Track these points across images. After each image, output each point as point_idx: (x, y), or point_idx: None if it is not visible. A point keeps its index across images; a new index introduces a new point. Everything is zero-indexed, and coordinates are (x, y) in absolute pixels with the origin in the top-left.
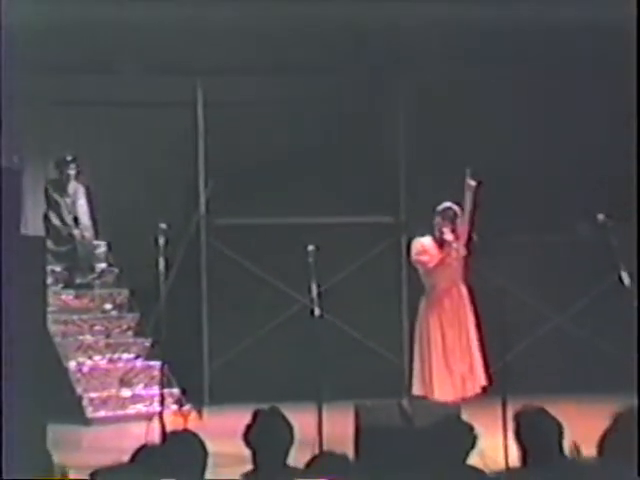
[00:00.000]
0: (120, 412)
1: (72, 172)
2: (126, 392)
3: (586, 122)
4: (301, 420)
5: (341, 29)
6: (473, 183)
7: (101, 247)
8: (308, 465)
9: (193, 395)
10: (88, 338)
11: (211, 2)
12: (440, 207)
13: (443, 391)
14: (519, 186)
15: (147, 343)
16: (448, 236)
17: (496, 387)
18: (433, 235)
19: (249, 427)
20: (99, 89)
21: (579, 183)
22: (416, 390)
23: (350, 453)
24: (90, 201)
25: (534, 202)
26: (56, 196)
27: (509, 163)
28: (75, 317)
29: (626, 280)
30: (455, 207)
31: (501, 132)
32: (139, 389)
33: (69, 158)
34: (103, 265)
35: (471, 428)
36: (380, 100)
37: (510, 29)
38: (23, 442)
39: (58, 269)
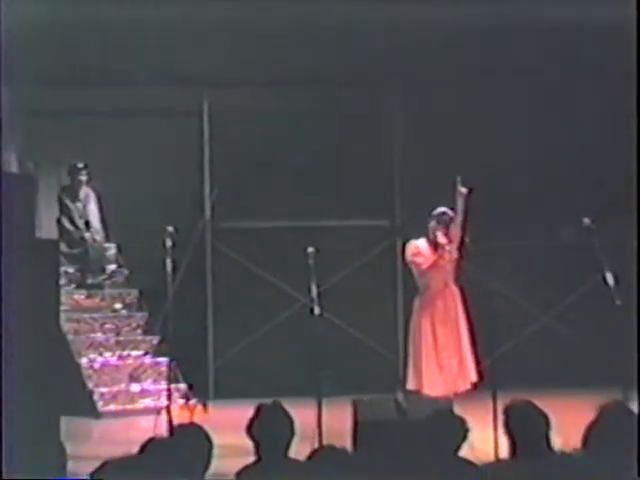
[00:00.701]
0: (129, 406)
1: (83, 178)
2: (135, 387)
3: (586, 122)
4: (301, 414)
5: (341, 30)
6: (464, 190)
7: (111, 249)
8: (309, 458)
9: (199, 390)
10: (99, 336)
11: (221, 16)
12: (436, 212)
13: (434, 386)
14: (513, 191)
15: (155, 341)
16: (441, 239)
17: (487, 382)
18: (427, 238)
19: (252, 420)
20: (109, 100)
21: (573, 187)
22: (410, 385)
23: (348, 446)
24: (101, 205)
25: (525, 207)
26: (68, 201)
27: (504, 167)
28: (87, 316)
29: (610, 281)
30: (450, 212)
31: (500, 134)
32: (148, 384)
33: (80, 165)
34: (113, 266)
35: (463, 421)
36: (379, 106)
37: (510, 29)
38: (37, 434)
39: (71, 270)
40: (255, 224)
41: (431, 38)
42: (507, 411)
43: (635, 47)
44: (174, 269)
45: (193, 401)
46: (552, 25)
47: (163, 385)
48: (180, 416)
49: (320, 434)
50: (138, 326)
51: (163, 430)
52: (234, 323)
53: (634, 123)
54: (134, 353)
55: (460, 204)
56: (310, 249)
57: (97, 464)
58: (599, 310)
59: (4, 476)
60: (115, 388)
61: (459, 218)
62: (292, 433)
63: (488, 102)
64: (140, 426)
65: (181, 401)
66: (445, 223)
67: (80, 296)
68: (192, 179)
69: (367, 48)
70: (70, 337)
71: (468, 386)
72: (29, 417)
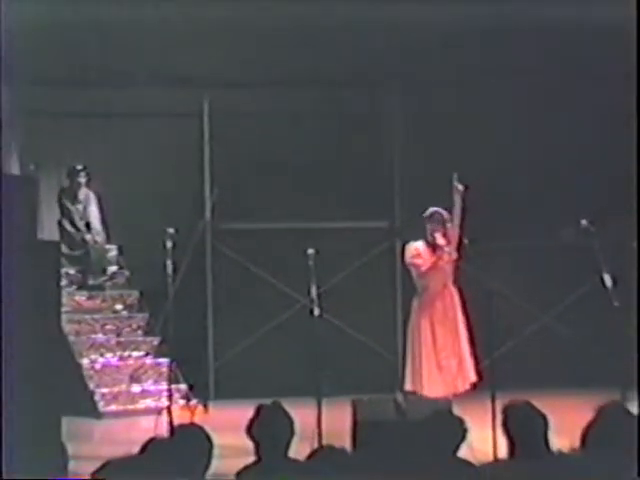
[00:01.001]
0: (130, 407)
1: (82, 180)
2: (136, 388)
3: (586, 122)
4: (301, 414)
5: (341, 30)
6: (461, 187)
7: (112, 251)
8: (309, 458)
9: (199, 390)
10: (100, 337)
11: (221, 16)
12: (427, 212)
13: (433, 387)
14: (513, 191)
15: (156, 341)
16: (440, 240)
17: (486, 383)
18: (426, 240)
19: (252, 421)
20: (109, 100)
21: (573, 187)
22: (409, 386)
23: (348, 446)
24: (101, 207)
25: (526, 207)
26: (68, 203)
27: (504, 167)
28: (88, 317)
29: (608, 282)
30: (442, 212)
31: (500, 134)
32: (148, 385)
33: (79, 167)
34: (114, 268)
35: (461, 422)
36: (379, 106)
37: (510, 29)
38: (38, 434)
39: (72, 272)
40: (255, 225)
41: (431, 38)
42: (506, 411)
43: (635, 47)
44: (174, 270)
45: (194, 401)
46: (552, 25)
47: (164, 386)
48: (181, 416)
49: (320, 434)
50: (139, 327)
51: (164, 430)
52: (234, 324)
53: (634, 123)
54: (135, 354)
55: (457, 201)
56: (310, 250)
57: (98, 464)
58: (599, 310)
59: (4, 476)
60: (116, 389)
61: (457, 217)
62: (292, 433)
63: (488, 102)
64: (141, 426)
65: (182, 401)
66: (440, 223)
67: (81, 297)
68: (192, 179)
69: (367, 48)
70: (71, 338)
71: (467, 386)
72: (30, 417)
